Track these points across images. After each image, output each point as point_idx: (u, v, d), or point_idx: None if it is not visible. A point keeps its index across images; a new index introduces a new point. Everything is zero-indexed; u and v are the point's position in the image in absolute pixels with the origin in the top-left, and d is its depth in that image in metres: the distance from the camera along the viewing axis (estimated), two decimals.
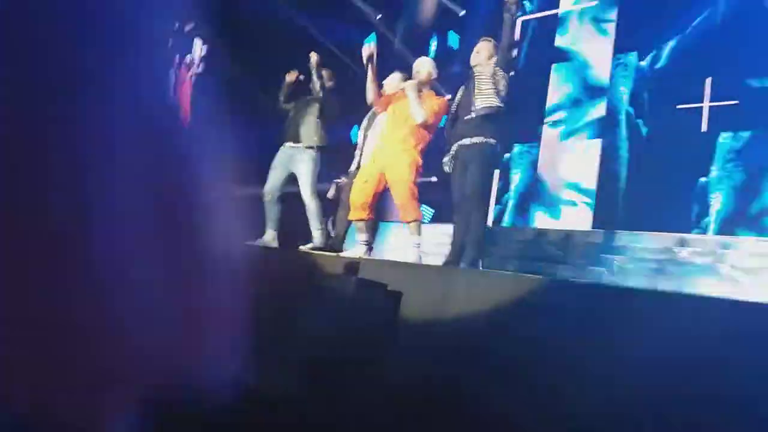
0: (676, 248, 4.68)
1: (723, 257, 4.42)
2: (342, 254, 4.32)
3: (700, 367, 2.14)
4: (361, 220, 4.35)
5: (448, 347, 3.00)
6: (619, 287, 3.83)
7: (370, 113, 5.02)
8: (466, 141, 4.02)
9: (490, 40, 4.18)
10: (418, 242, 4.24)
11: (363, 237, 4.38)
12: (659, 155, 5.43)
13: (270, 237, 5.00)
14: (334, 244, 4.82)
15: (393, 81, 4.77)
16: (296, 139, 5.05)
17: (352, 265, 3.62)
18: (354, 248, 4.41)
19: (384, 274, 3.49)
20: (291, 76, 5.22)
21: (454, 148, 4.09)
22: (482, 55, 4.14)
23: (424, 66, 4.45)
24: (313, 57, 5.09)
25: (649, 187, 5.35)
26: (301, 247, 4.79)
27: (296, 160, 4.99)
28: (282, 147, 5.11)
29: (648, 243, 4.87)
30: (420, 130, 4.28)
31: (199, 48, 9.03)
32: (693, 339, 2.33)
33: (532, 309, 2.85)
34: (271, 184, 5.03)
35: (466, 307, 3.06)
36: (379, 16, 7.77)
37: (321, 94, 5.05)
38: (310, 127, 5.03)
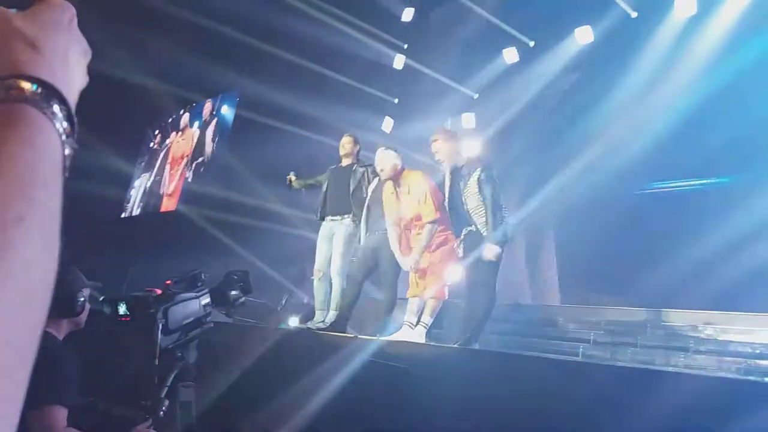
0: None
1: None
2: (390, 337, 4.13)
3: None
4: (414, 296, 4.29)
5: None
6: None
7: (372, 187, 4.78)
8: (471, 228, 4.08)
9: (441, 136, 4.22)
10: (427, 323, 4.19)
11: (412, 318, 4.24)
12: None
13: (319, 318, 4.72)
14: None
15: (388, 158, 4.46)
16: (335, 212, 4.89)
17: (367, 347, 3.62)
18: (400, 329, 4.25)
19: (399, 355, 3.48)
20: (295, 182, 5.20)
21: (464, 232, 4.13)
22: (443, 152, 4.18)
23: (385, 162, 4.39)
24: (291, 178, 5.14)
25: None
26: (308, 325, 4.64)
27: (334, 234, 4.82)
28: (323, 222, 4.97)
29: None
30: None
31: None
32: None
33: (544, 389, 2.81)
34: (320, 262, 4.84)
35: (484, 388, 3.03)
36: (396, 100, 8.12)
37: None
38: (346, 199, 4.83)
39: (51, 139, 0.42)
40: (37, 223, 0.38)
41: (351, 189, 4.84)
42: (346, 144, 5.05)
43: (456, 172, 4.18)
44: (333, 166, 5.13)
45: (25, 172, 0.39)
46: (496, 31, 7.04)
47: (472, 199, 4.03)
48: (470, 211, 4.04)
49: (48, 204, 0.40)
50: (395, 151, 4.50)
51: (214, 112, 9.75)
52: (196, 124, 10.12)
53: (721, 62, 5.45)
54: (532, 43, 7.12)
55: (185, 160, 9.97)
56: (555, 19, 6.77)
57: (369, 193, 4.76)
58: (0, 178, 0.37)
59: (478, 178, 4.01)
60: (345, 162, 5.05)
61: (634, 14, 6.22)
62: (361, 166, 4.95)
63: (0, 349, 0.34)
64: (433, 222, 4.21)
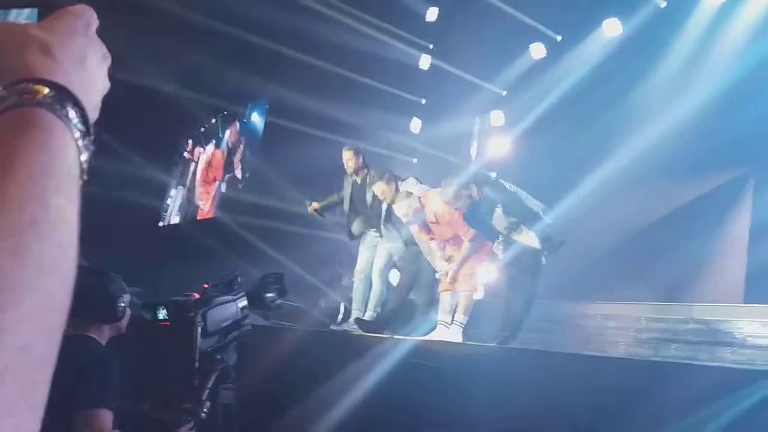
0: None
1: None
2: (426, 337, 4.13)
3: None
4: (446, 290, 4.30)
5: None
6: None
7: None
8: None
9: (451, 201, 4.16)
10: (462, 321, 4.19)
11: (446, 317, 4.23)
12: None
13: (357, 316, 4.75)
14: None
15: (407, 205, 4.45)
16: (374, 226, 4.93)
17: (404, 347, 3.61)
18: (435, 329, 4.26)
19: (436, 355, 3.47)
20: (319, 207, 5.20)
21: (503, 233, 4.12)
22: (454, 198, 4.15)
23: (408, 211, 4.35)
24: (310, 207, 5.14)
25: None
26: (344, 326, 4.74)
27: (377, 244, 4.91)
28: (365, 237, 5.03)
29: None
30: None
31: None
32: None
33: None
34: (362, 264, 4.92)
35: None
36: (424, 100, 8.10)
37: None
38: (376, 215, 4.87)
39: (66, 142, 0.42)
40: (53, 226, 0.37)
41: (368, 202, 4.85)
42: (349, 161, 4.98)
43: (476, 209, 4.19)
44: (349, 180, 5.09)
45: (40, 176, 0.38)
46: (522, 27, 6.96)
47: (502, 226, 4.06)
48: (505, 232, 4.06)
49: (64, 207, 0.39)
50: (407, 194, 4.44)
51: (245, 120, 9.87)
52: (225, 142, 10.28)
53: (756, 49, 5.27)
54: (559, 38, 7.02)
55: (216, 183, 10.15)
56: (582, 13, 6.66)
57: (384, 212, 4.75)
58: (14, 183, 0.37)
59: (503, 212, 4.04)
60: (359, 178, 5.00)
61: (663, 4, 6.08)
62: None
63: (18, 355, 0.33)
64: (472, 240, 4.25)
